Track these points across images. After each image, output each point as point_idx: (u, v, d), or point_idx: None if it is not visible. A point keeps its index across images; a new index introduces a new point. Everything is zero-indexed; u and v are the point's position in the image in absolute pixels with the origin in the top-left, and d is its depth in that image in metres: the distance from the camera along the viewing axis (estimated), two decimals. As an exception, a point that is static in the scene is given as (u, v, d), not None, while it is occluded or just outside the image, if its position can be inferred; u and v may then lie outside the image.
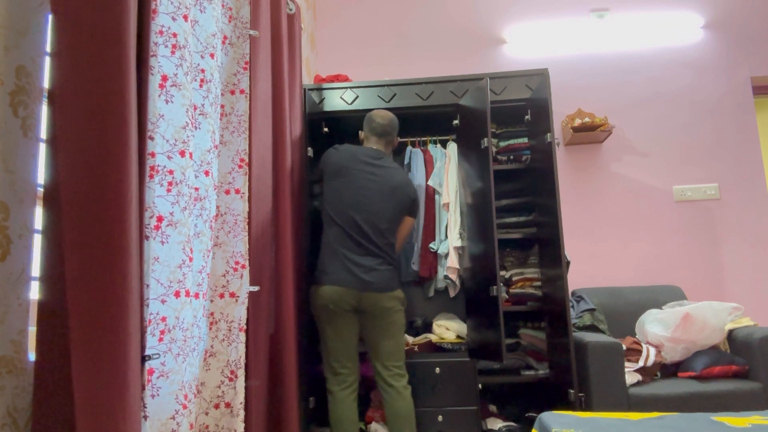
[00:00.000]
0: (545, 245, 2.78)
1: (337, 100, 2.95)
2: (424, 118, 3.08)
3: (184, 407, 1.33)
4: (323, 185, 2.45)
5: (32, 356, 1.11)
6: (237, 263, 1.86)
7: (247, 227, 1.90)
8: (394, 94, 2.93)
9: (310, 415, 2.54)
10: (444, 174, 2.96)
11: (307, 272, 2.61)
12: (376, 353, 2.37)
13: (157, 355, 1.24)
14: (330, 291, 2.30)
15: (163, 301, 1.30)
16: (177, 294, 1.34)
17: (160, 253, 1.31)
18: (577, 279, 3.26)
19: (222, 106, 1.91)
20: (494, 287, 2.38)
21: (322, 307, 2.32)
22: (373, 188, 2.38)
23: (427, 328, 2.98)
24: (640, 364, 2.53)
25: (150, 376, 1.22)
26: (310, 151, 2.75)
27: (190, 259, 1.40)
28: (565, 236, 2.61)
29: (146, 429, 1.18)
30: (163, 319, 1.29)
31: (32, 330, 1.11)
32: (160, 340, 1.27)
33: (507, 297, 2.85)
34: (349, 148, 2.48)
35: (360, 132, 2.63)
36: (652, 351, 2.58)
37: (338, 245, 2.33)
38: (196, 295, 1.51)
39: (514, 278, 2.89)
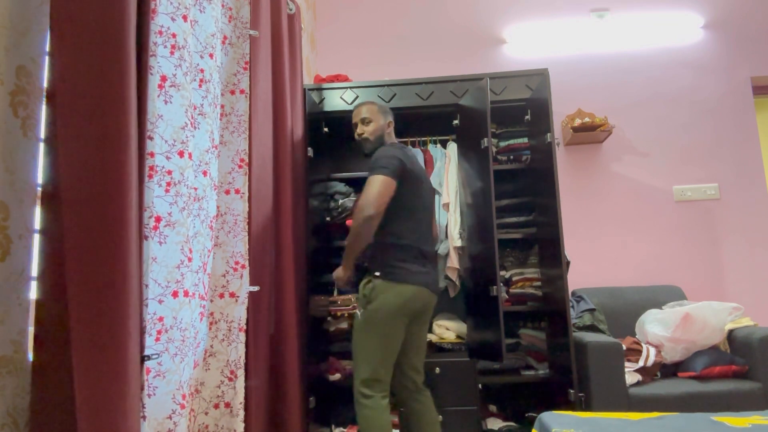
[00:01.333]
0: (545, 245, 2.78)
1: (337, 100, 2.95)
2: (424, 118, 3.08)
3: (182, 407, 1.33)
4: (401, 185, 2.19)
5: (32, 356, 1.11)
6: (237, 263, 1.86)
7: (247, 227, 1.90)
8: (394, 94, 2.93)
9: (310, 415, 2.54)
10: (444, 174, 2.96)
11: (309, 273, 2.61)
12: (415, 357, 2.26)
13: (157, 356, 1.24)
14: (416, 292, 2.11)
15: (160, 302, 1.30)
16: (175, 294, 1.34)
17: (158, 253, 1.31)
18: (577, 279, 3.26)
19: (222, 106, 1.92)
20: (494, 287, 2.37)
21: (399, 308, 2.09)
22: (428, 193, 2.35)
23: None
24: (640, 364, 2.53)
25: (147, 375, 1.23)
26: (310, 151, 2.75)
27: (189, 260, 1.41)
28: (565, 236, 2.61)
29: (145, 429, 1.18)
30: (161, 319, 1.29)
31: (32, 330, 1.11)
32: (157, 339, 1.27)
33: (507, 297, 2.85)
34: (405, 150, 2.30)
35: (390, 122, 2.40)
36: (652, 351, 2.58)
37: (415, 244, 2.18)
38: (193, 296, 1.51)
39: (514, 278, 2.89)
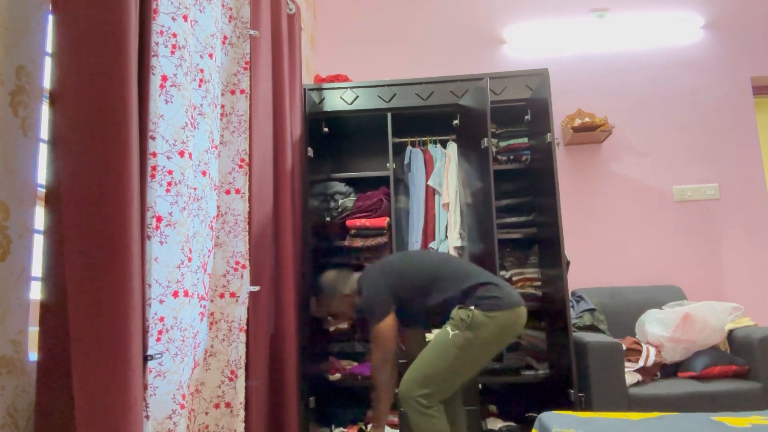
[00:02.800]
0: (545, 245, 2.78)
1: (337, 100, 2.95)
2: (424, 118, 3.08)
3: (182, 407, 1.33)
4: (401, 291, 2.18)
5: (33, 356, 1.11)
6: (237, 263, 1.86)
7: (247, 227, 1.90)
8: (394, 94, 2.93)
9: (310, 415, 2.54)
10: (444, 174, 2.95)
11: (309, 273, 2.61)
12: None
13: (159, 355, 1.24)
14: (514, 316, 2.05)
15: (161, 302, 1.30)
16: (175, 294, 1.34)
17: (159, 253, 1.31)
18: (577, 279, 3.25)
19: (222, 106, 1.91)
20: (494, 287, 2.37)
21: (498, 337, 2.05)
22: (433, 257, 2.36)
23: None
24: (640, 364, 2.53)
25: (148, 375, 1.22)
26: (310, 151, 2.75)
27: (189, 260, 1.40)
28: (565, 236, 2.60)
29: (148, 429, 1.18)
30: (161, 319, 1.29)
31: (32, 330, 1.11)
32: (158, 340, 1.27)
33: (507, 297, 2.84)
34: (372, 272, 2.28)
35: (344, 294, 2.30)
36: (652, 351, 2.58)
37: (478, 280, 2.12)
38: (193, 295, 1.51)
39: (514, 278, 2.88)
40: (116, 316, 1.06)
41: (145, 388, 1.18)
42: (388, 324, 2.10)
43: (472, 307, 2.01)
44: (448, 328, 2.03)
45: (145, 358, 1.18)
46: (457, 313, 2.03)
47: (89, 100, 1.08)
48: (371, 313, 2.13)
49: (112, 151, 1.09)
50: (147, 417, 1.17)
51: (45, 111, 1.17)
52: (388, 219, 2.87)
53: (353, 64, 3.65)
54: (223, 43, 1.93)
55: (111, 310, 1.06)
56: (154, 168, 1.29)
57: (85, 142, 1.08)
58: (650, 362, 2.54)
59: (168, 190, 1.35)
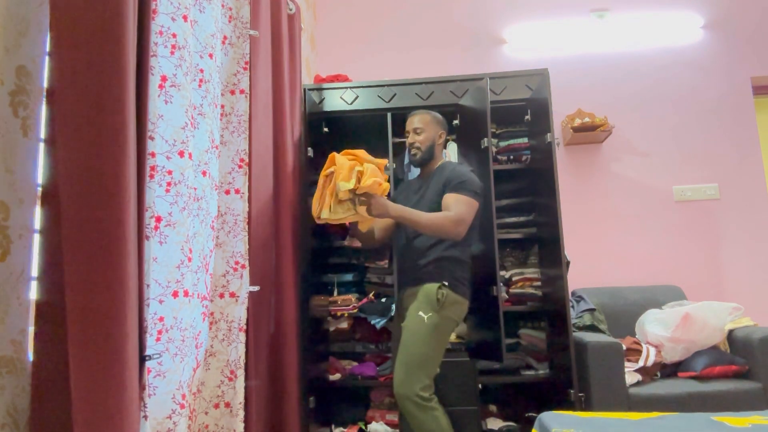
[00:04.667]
0: (545, 245, 2.78)
1: (337, 100, 2.95)
2: (424, 118, 3.07)
3: (182, 407, 1.33)
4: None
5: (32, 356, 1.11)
6: (237, 263, 1.86)
7: (247, 227, 1.90)
8: (394, 94, 2.92)
9: (310, 415, 2.54)
10: (444, 174, 2.95)
11: (309, 273, 2.61)
12: None
13: (158, 356, 1.24)
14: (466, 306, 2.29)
15: (161, 302, 1.30)
16: (175, 294, 1.34)
17: (158, 253, 1.31)
18: (577, 279, 3.25)
19: (222, 106, 1.92)
20: (494, 287, 2.37)
21: (458, 321, 2.26)
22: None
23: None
24: (640, 364, 2.53)
25: (147, 375, 1.22)
26: (310, 151, 2.75)
27: (189, 260, 1.40)
28: (565, 236, 2.60)
29: (146, 429, 1.18)
30: (161, 319, 1.29)
31: (32, 330, 1.11)
32: (158, 339, 1.27)
33: (507, 297, 2.85)
34: None
35: (441, 134, 2.46)
36: (652, 351, 2.58)
37: (469, 259, 2.34)
38: (193, 295, 1.51)
39: (514, 278, 2.88)
40: (112, 316, 1.06)
41: (144, 388, 1.18)
42: (476, 205, 2.24)
43: (446, 283, 2.16)
44: (420, 313, 2.11)
45: (143, 359, 1.18)
46: (435, 292, 2.13)
47: (86, 100, 1.08)
48: (474, 189, 2.24)
49: (110, 152, 1.09)
50: (145, 417, 1.17)
51: (45, 111, 1.17)
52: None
53: (353, 64, 3.65)
54: (223, 43, 1.93)
55: (107, 310, 1.05)
56: (153, 168, 1.29)
57: (82, 142, 1.07)
58: (650, 362, 2.54)
59: (167, 190, 1.35)
